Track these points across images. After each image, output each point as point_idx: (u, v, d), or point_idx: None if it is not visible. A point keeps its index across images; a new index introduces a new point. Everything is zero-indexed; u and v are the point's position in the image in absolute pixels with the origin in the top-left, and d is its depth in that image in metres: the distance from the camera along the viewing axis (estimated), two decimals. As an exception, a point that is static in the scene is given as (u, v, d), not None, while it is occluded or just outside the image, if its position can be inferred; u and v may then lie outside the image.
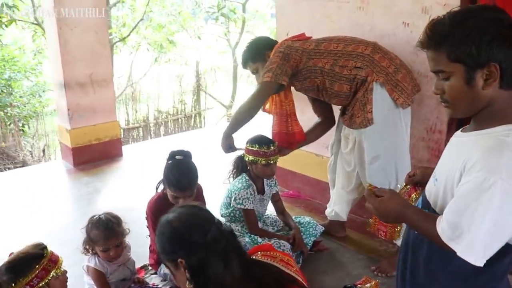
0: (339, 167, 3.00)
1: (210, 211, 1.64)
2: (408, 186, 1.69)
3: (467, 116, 1.30)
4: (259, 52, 2.87)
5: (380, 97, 2.54)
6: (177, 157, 2.55)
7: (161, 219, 1.59)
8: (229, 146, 2.85)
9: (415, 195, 1.63)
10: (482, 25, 1.16)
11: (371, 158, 2.63)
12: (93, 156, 4.78)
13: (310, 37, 2.86)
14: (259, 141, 2.82)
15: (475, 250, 1.17)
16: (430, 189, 1.41)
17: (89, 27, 4.54)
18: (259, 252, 1.85)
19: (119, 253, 2.35)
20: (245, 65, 2.97)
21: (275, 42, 2.94)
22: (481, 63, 1.17)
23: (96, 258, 2.33)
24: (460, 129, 1.38)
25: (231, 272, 1.51)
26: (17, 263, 1.89)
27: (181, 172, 2.47)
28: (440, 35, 1.21)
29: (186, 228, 1.52)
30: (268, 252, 1.85)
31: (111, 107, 4.95)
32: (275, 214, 3.13)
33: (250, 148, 2.83)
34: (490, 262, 1.21)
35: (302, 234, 2.90)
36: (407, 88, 2.57)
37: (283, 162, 3.82)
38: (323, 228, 3.03)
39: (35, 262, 1.90)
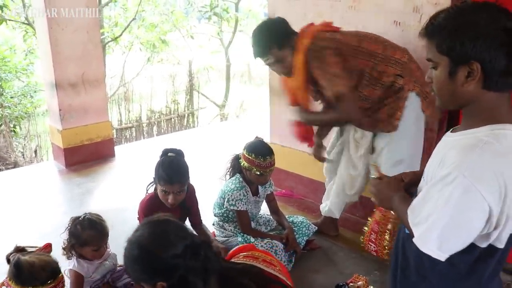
0: (343, 169, 2.89)
1: (179, 222, 1.52)
2: None
3: (452, 108, 1.31)
4: (288, 36, 2.54)
5: (412, 106, 2.50)
6: (169, 154, 2.58)
7: (127, 240, 1.43)
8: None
9: None
10: (471, 22, 1.16)
11: (394, 162, 2.58)
12: (85, 156, 4.76)
13: (339, 28, 2.66)
14: (256, 151, 2.77)
15: (429, 239, 1.19)
16: (420, 188, 1.42)
17: (81, 27, 4.51)
18: (240, 254, 1.83)
19: (105, 250, 2.39)
20: (265, 53, 2.56)
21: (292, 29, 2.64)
22: (463, 59, 1.17)
23: (75, 260, 2.32)
24: (451, 129, 1.39)
25: (211, 285, 1.43)
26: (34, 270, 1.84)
27: (171, 167, 2.50)
28: (434, 26, 1.22)
29: (158, 247, 1.39)
30: (250, 253, 1.84)
31: (103, 107, 4.92)
32: (269, 213, 3.12)
33: (246, 155, 2.80)
34: (473, 263, 1.24)
35: (295, 233, 2.90)
36: (434, 101, 2.51)
37: (276, 161, 3.83)
38: (316, 228, 3.04)
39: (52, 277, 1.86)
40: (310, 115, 2.69)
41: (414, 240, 1.24)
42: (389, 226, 2.14)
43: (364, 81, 2.50)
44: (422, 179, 1.43)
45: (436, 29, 1.21)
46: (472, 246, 1.22)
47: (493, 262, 1.29)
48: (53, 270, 1.89)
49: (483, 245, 1.23)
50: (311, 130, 2.90)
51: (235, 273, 1.61)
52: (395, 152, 2.59)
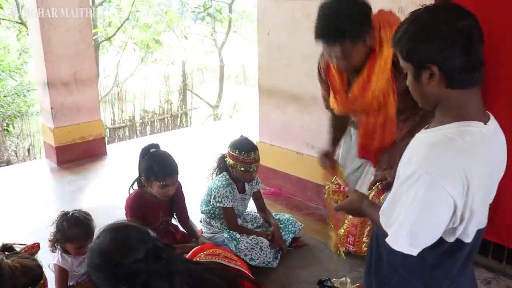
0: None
1: (140, 227, 1.50)
2: (373, 193, 1.78)
3: (428, 108, 1.35)
4: (365, 26, 1.95)
5: None
6: (151, 150, 2.62)
7: (89, 249, 1.44)
8: None
9: (384, 198, 1.71)
10: (424, 27, 1.21)
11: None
12: (77, 155, 4.79)
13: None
14: (240, 146, 2.82)
15: (399, 237, 1.24)
16: (395, 184, 1.47)
17: (73, 26, 4.54)
18: (201, 253, 1.86)
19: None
20: (358, 33, 1.93)
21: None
22: (422, 63, 1.23)
23: (60, 254, 2.33)
24: (425, 127, 1.44)
25: (178, 287, 1.44)
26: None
27: (164, 160, 2.57)
28: (397, 36, 1.28)
29: (119, 253, 1.38)
30: (211, 251, 1.86)
31: (95, 106, 4.96)
32: (255, 211, 3.17)
33: (230, 152, 2.85)
34: (442, 257, 1.29)
35: (281, 230, 2.95)
36: None
37: (264, 160, 3.88)
38: (302, 225, 3.08)
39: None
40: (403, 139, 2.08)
41: (386, 240, 1.28)
42: (367, 228, 2.22)
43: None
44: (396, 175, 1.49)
45: (398, 38, 1.27)
46: (440, 241, 1.26)
47: (462, 256, 1.33)
48: (34, 277, 1.88)
49: (451, 239, 1.28)
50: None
51: (202, 271, 1.62)
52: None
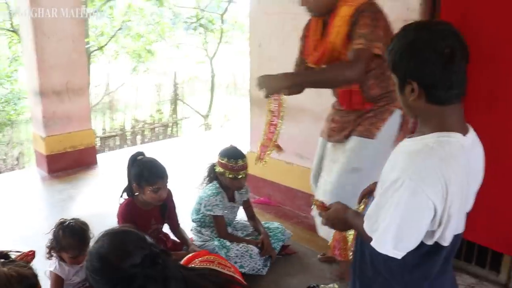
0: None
1: (139, 232, 1.54)
2: (363, 206, 1.83)
3: (412, 118, 1.44)
4: None
5: (392, 123, 2.39)
6: (139, 157, 2.69)
7: (88, 252, 1.47)
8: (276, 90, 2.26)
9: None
10: (408, 44, 1.29)
11: (352, 168, 2.44)
12: (68, 163, 4.80)
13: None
14: (228, 154, 2.88)
15: (384, 241, 1.30)
16: (378, 189, 1.53)
17: (66, 36, 4.59)
18: (196, 260, 1.89)
19: (85, 258, 2.40)
20: None
21: None
22: (404, 77, 1.32)
23: (57, 262, 2.34)
24: (408, 136, 1.51)
25: None
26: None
27: (153, 164, 2.66)
28: (388, 46, 1.36)
29: (117, 257, 1.41)
30: (205, 257, 1.89)
31: (86, 115, 4.99)
32: (245, 219, 3.21)
33: (219, 160, 2.90)
34: (421, 259, 1.35)
35: (270, 239, 2.99)
36: (408, 131, 2.41)
37: (254, 170, 3.92)
38: (291, 234, 3.13)
39: None
40: (310, 75, 2.42)
41: (372, 243, 1.34)
42: (352, 235, 2.27)
43: (378, 72, 2.34)
44: (379, 182, 1.55)
45: (389, 51, 1.36)
46: (419, 243, 1.33)
47: (440, 259, 1.40)
48: (30, 286, 1.88)
49: (429, 242, 1.35)
50: None
51: (197, 278, 1.64)
52: (357, 158, 2.44)
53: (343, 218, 1.57)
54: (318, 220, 2.59)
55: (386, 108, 2.38)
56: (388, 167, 1.41)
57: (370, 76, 2.34)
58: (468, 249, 2.73)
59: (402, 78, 1.33)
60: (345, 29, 2.25)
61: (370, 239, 1.35)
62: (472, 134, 1.37)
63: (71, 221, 2.34)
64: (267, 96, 2.26)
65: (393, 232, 1.28)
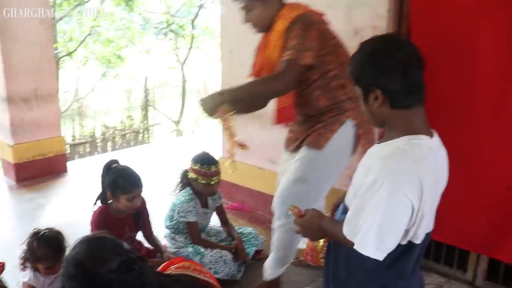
0: None
1: (115, 239, 1.53)
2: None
3: (378, 127, 1.51)
4: None
5: (344, 135, 2.34)
6: (113, 165, 2.67)
7: (64, 259, 1.46)
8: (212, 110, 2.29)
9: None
10: (370, 55, 1.38)
11: (298, 178, 2.38)
12: (37, 172, 4.72)
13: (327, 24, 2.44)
14: (201, 160, 2.90)
15: (367, 243, 1.34)
16: (349, 195, 1.58)
17: (33, 42, 4.52)
18: (172, 267, 1.90)
19: (60, 268, 2.36)
20: None
21: None
22: (368, 86, 1.40)
23: (32, 273, 2.30)
24: (377, 142, 1.56)
25: None
26: None
27: (128, 173, 2.65)
28: (350, 62, 1.45)
29: (94, 263, 1.41)
30: (181, 264, 1.90)
31: (55, 122, 4.91)
32: (218, 225, 3.23)
33: (192, 166, 2.92)
34: (396, 259, 1.40)
35: (244, 244, 3.01)
36: (373, 140, 2.38)
37: (227, 175, 3.94)
38: (264, 238, 3.16)
39: None
40: (239, 90, 2.27)
41: (354, 246, 1.36)
42: (322, 241, 2.32)
43: (322, 83, 2.32)
44: (350, 188, 1.59)
45: (350, 65, 1.45)
46: None
47: (413, 257, 1.47)
48: None
49: (404, 242, 1.40)
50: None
51: (174, 284, 1.65)
52: (303, 169, 2.38)
53: (318, 225, 1.57)
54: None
55: (337, 118, 2.34)
56: (361, 172, 1.46)
57: (314, 87, 2.33)
58: (437, 249, 2.82)
59: (366, 87, 1.40)
60: (281, 43, 2.28)
61: (351, 243, 1.38)
62: (436, 137, 1.45)
63: (46, 231, 2.29)
64: (209, 117, 2.31)
65: (374, 233, 1.32)
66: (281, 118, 2.64)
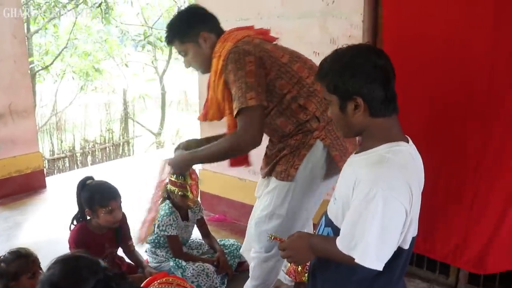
0: None
1: (91, 257, 1.49)
2: None
3: (353, 137, 1.51)
4: (191, 30, 2.22)
5: (316, 159, 2.15)
6: (88, 182, 2.65)
7: (39, 281, 1.42)
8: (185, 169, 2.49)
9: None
10: (349, 64, 1.37)
11: (270, 214, 2.24)
12: (14, 189, 4.62)
13: (276, 39, 2.36)
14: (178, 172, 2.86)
15: (369, 254, 1.33)
16: (331, 208, 1.57)
17: (7, 57, 4.45)
18: (155, 282, 1.88)
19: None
20: (170, 43, 2.31)
21: (217, 23, 2.30)
22: (347, 95, 1.38)
23: None
24: (354, 152, 1.57)
25: None
26: None
27: (104, 186, 2.65)
28: (322, 70, 1.43)
29: (69, 284, 1.38)
30: (164, 279, 1.89)
31: (32, 137, 4.83)
32: (200, 238, 3.20)
33: (170, 177, 2.84)
34: (387, 266, 1.39)
35: (226, 256, 2.99)
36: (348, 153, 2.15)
37: (208, 187, 3.93)
38: (247, 249, 3.13)
39: None
40: (206, 154, 2.23)
41: (357, 261, 1.34)
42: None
43: (280, 108, 2.16)
44: (332, 198, 1.59)
45: (324, 72, 1.42)
46: None
47: (401, 262, 1.47)
48: None
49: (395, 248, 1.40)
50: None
51: None
52: (276, 203, 2.22)
53: (308, 243, 1.53)
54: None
55: (303, 142, 2.14)
56: (344, 183, 1.46)
57: (275, 116, 2.17)
58: (419, 255, 2.84)
59: (345, 96, 1.39)
60: (221, 82, 2.15)
61: (347, 257, 1.37)
62: (412, 143, 1.47)
63: (5, 252, 2.22)
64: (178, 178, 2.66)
65: (374, 243, 1.32)
66: (233, 161, 2.49)
